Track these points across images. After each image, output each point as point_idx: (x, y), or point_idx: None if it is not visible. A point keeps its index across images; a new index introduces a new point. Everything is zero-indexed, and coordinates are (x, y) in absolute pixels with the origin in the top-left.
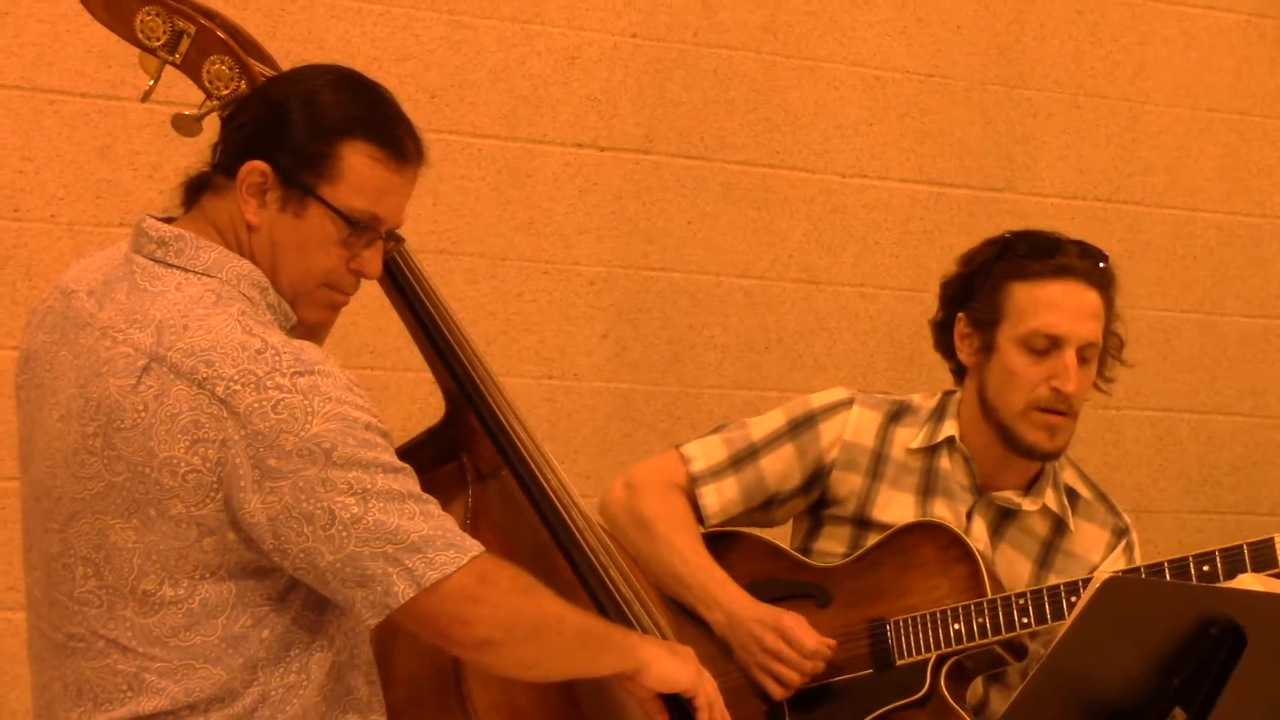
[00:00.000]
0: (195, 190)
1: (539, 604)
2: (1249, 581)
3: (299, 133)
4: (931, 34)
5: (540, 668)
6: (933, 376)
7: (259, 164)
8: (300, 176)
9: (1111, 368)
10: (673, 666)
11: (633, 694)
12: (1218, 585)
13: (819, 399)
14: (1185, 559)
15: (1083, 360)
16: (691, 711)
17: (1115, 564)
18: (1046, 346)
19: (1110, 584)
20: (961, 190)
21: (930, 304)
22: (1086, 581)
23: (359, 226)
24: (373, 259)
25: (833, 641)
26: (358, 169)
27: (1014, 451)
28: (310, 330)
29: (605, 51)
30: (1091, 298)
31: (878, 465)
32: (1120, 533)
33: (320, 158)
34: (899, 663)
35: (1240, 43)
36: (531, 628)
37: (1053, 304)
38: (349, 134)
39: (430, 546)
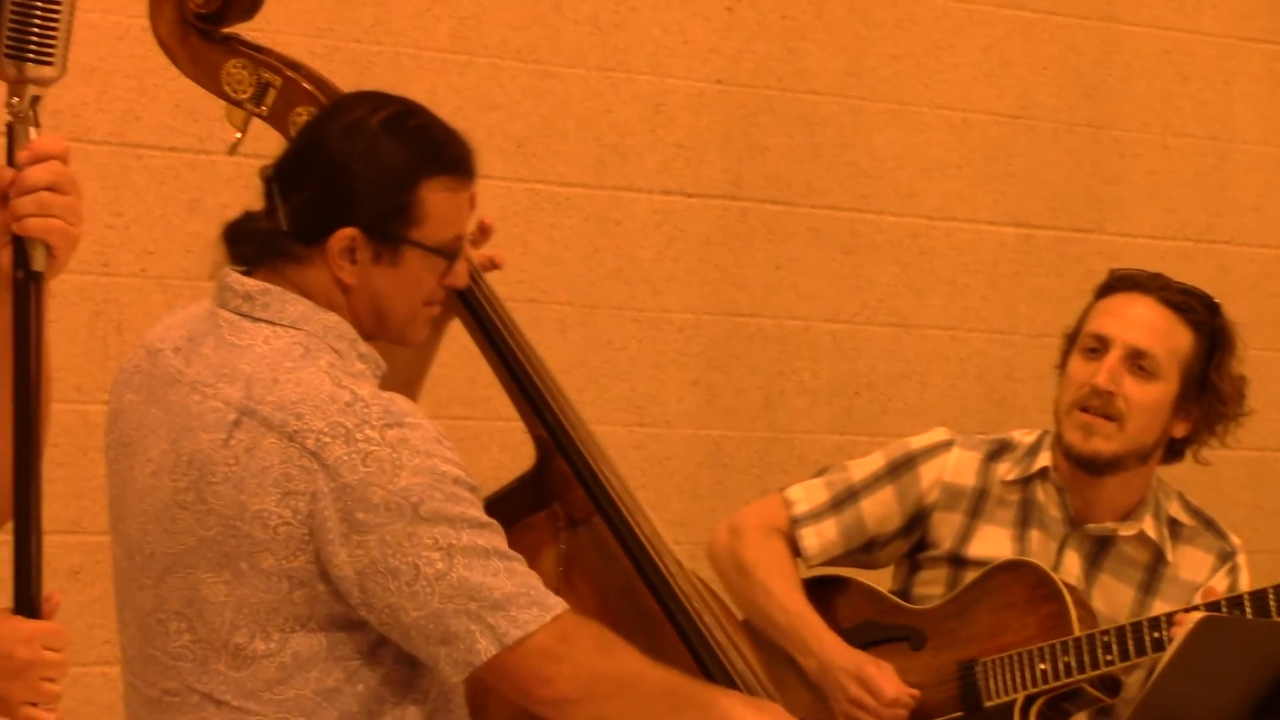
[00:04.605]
0: (265, 252)
1: (620, 662)
2: None
3: (374, 190)
4: (1017, 76)
5: None
6: (1025, 418)
7: (347, 231)
8: (389, 230)
9: (1221, 422)
10: None
11: None
12: None
13: (919, 441)
14: (1264, 590)
15: (1136, 370)
16: None
17: (1218, 585)
18: (1096, 347)
19: (1207, 623)
20: (1050, 232)
21: (1021, 345)
22: (1170, 616)
23: (454, 254)
24: (460, 271)
25: (916, 693)
26: (439, 204)
27: (1067, 460)
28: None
29: (691, 98)
30: (1152, 310)
31: (978, 504)
32: (1225, 555)
33: (403, 207)
34: (987, 704)
35: None
36: (612, 686)
37: (1108, 310)
38: (421, 175)
39: (513, 604)
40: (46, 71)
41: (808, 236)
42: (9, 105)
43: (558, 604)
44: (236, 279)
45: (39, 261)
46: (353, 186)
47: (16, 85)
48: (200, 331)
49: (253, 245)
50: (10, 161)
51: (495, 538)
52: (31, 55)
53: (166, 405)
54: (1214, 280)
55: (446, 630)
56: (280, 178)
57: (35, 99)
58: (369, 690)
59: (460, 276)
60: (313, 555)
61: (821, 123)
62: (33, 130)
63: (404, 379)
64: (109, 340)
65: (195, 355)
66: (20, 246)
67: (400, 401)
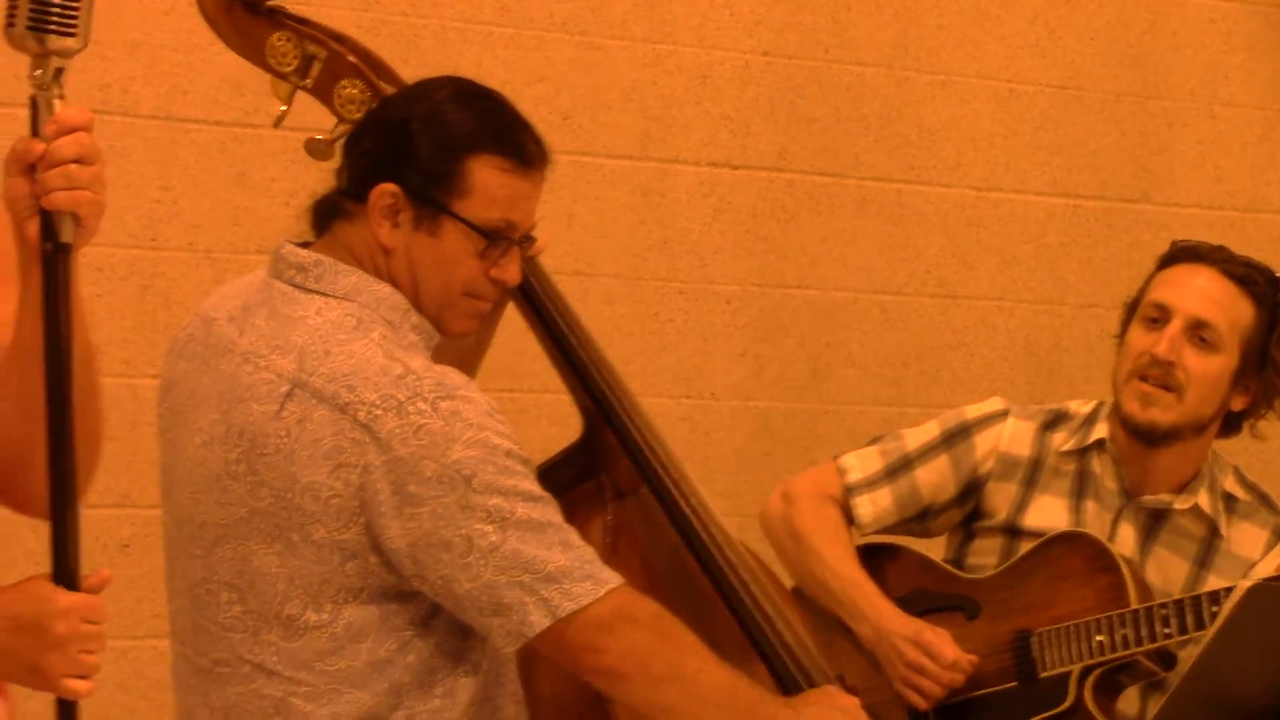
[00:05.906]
0: (326, 216)
1: (679, 649)
2: None
3: (425, 152)
4: (1064, 46)
5: (670, 716)
6: (1073, 389)
7: (389, 186)
8: (431, 195)
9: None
10: None
11: None
12: None
13: (974, 410)
14: None
15: (1197, 341)
16: None
17: (1273, 562)
18: (1157, 316)
19: (1255, 591)
20: (1098, 202)
21: (1069, 315)
22: (1229, 590)
23: (495, 237)
24: (510, 266)
25: (974, 658)
26: (487, 181)
27: (1124, 431)
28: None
29: (737, 70)
30: (1214, 282)
31: (1033, 473)
32: None
33: (449, 175)
34: (1043, 675)
35: None
36: (666, 670)
37: (1170, 280)
38: (475, 148)
39: (567, 577)
40: (69, 43)
41: (855, 208)
42: (32, 78)
43: (613, 578)
44: (291, 250)
45: (67, 233)
46: (405, 145)
47: (39, 58)
48: (254, 302)
49: (318, 212)
50: (34, 134)
51: (549, 510)
52: (53, 27)
53: (217, 375)
54: (1262, 250)
55: (499, 602)
56: (348, 139)
57: (58, 71)
58: (420, 661)
59: (510, 273)
60: (364, 528)
61: (868, 94)
62: (57, 102)
63: (458, 363)
64: (157, 314)
65: (248, 325)
66: (47, 219)
67: (453, 375)
